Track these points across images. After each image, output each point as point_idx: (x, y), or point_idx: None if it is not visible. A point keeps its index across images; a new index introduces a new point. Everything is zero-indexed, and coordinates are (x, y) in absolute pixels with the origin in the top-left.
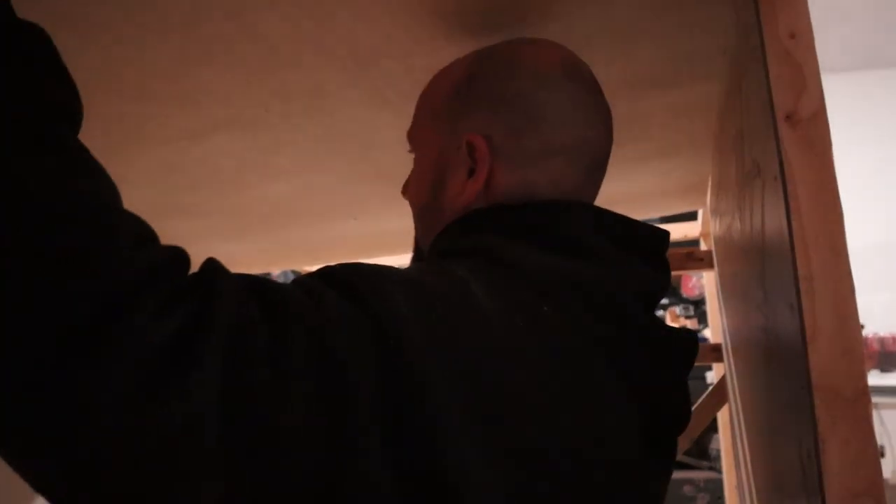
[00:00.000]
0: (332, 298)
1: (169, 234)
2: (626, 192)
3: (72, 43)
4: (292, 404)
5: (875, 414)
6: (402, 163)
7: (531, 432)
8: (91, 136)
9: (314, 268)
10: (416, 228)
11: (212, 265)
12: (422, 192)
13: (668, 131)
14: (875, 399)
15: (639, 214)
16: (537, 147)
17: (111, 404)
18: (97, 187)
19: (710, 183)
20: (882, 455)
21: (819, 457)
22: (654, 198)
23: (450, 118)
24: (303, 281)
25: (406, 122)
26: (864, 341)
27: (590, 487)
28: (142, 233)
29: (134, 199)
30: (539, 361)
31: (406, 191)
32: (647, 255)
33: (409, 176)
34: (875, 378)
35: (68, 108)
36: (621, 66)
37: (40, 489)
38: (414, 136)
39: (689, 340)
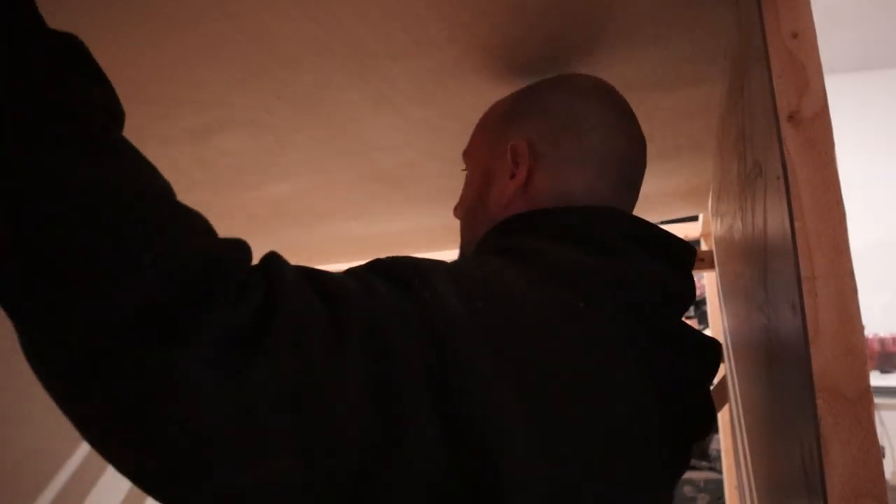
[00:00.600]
0: (384, 289)
1: None
2: None
3: None
4: (348, 388)
5: (875, 415)
6: (403, 164)
7: (571, 418)
8: None
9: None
10: (462, 236)
11: (274, 256)
12: (469, 199)
13: (669, 133)
14: (875, 400)
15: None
16: (574, 153)
17: (192, 382)
18: (162, 182)
19: (711, 185)
20: (883, 456)
21: (821, 457)
22: (655, 201)
23: (499, 131)
24: (356, 272)
25: (407, 124)
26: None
27: (616, 482)
28: (205, 224)
29: None
30: (575, 353)
31: (457, 210)
32: (676, 264)
33: (461, 195)
34: (875, 379)
35: (111, 109)
36: (622, 68)
37: (125, 468)
38: (468, 154)
39: (713, 346)
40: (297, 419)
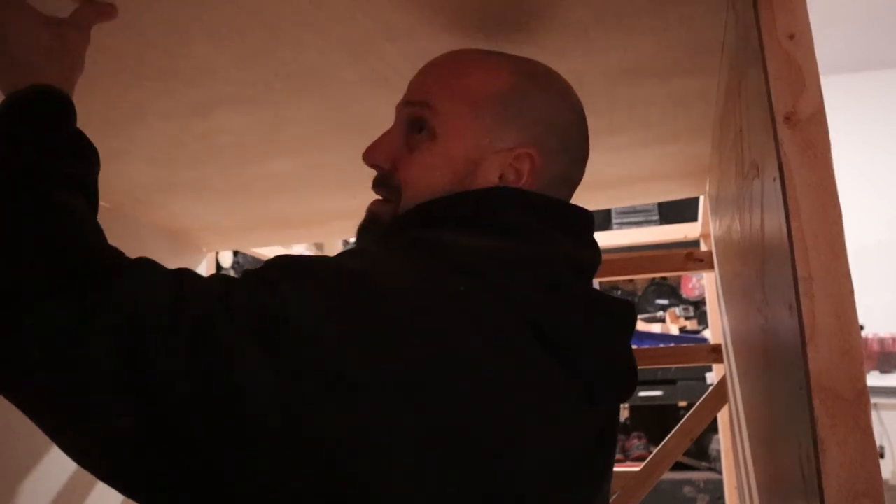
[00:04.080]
0: (244, 290)
1: (169, 208)
2: (625, 176)
3: None
4: (176, 368)
5: (874, 414)
6: None
7: (448, 414)
8: (93, 112)
9: (311, 243)
10: (403, 204)
11: (137, 264)
12: (442, 178)
13: (666, 118)
14: (874, 400)
15: (639, 199)
16: (559, 173)
17: (25, 351)
18: (74, 233)
19: (709, 170)
20: (881, 456)
21: (818, 457)
22: (652, 182)
23: (498, 122)
24: (247, 274)
25: None
26: (863, 342)
27: (521, 474)
28: (85, 247)
29: (135, 174)
30: (460, 341)
31: (379, 155)
32: (577, 234)
33: (392, 140)
34: (874, 379)
35: (81, 179)
36: (619, 54)
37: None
38: (439, 113)
39: (624, 306)
40: (124, 382)
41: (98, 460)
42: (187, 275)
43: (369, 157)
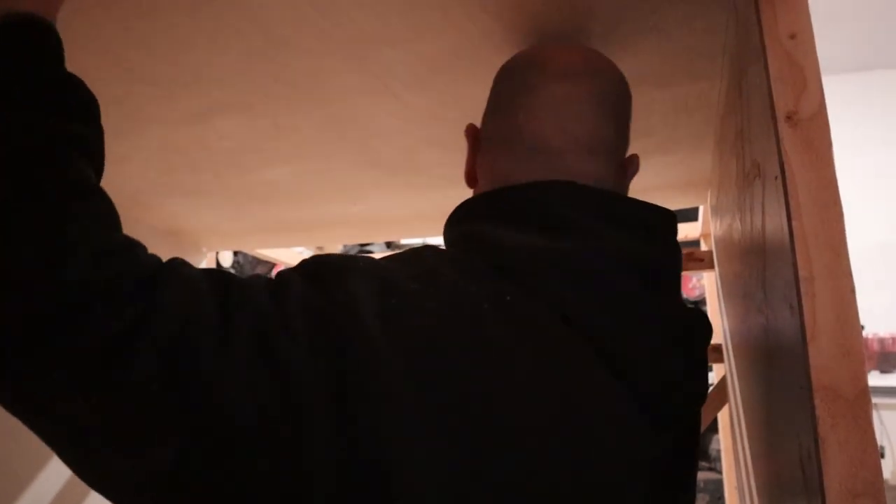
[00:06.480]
0: (298, 292)
1: (169, 210)
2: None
3: (76, 26)
4: (233, 388)
5: (875, 414)
6: (403, 151)
7: (482, 425)
8: None
9: (312, 246)
10: None
11: (170, 266)
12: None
13: (668, 126)
14: (875, 400)
15: None
16: (495, 131)
17: (66, 384)
18: (78, 212)
19: (710, 181)
20: (882, 456)
21: (819, 457)
22: (653, 193)
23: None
24: (282, 275)
25: (405, 111)
26: (864, 342)
27: (564, 477)
28: (105, 247)
29: (135, 179)
30: (504, 347)
31: None
32: (636, 229)
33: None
34: (875, 379)
35: (83, 141)
36: (619, 60)
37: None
38: None
39: (693, 317)
40: (176, 413)
41: (119, 495)
42: (230, 281)
43: None
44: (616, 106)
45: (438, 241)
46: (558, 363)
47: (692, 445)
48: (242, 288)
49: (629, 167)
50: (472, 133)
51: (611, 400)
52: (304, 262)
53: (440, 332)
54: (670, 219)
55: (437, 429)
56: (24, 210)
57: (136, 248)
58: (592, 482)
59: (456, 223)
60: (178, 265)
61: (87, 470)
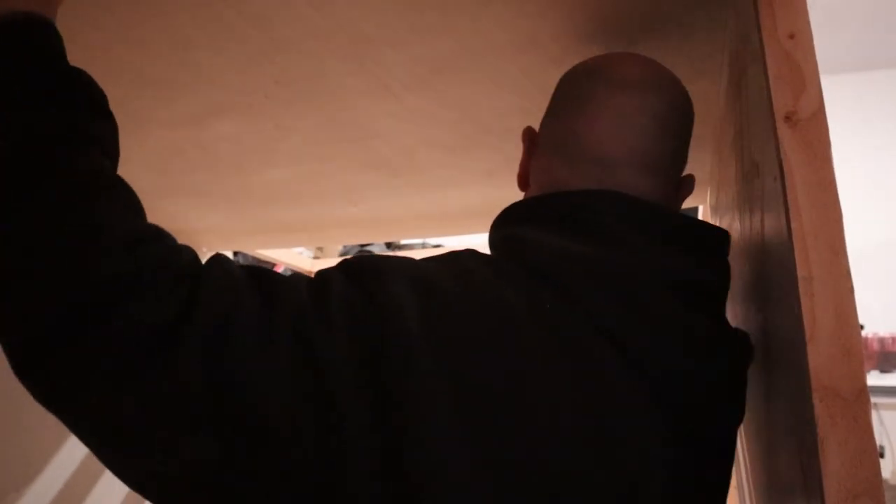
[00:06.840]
0: (339, 291)
1: (169, 211)
2: None
3: (76, 28)
4: (275, 382)
5: (874, 414)
6: (403, 152)
7: (517, 430)
8: None
9: (312, 247)
10: None
11: (214, 261)
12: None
13: None
14: (874, 399)
15: None
16: (550, 137)
17: (106, 373)
18: (105, 201)
19: (709, 181)
20: (881, 455)
21: (818, 457)
22: None
23: None
24: (322, 273)
25: (405, 112)
26: (863, 341)
27: (588, 485)
28: (136, 236)
29: (136, 180)
30: (537, 353)
31: None
32: (686, 246)
33: None
34: (874, 378)
35: (98, 133)
36: None
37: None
38: None
39: (734, 338)
40: (217, 410)
41: (154, 493)
42: (271, 279)
43: None
44: (678, 123)
45: (438, 241)
46: (592, 373)
47: (725, 471)
48: (283, 286)
49: (683, 187)
50: (529, 136)
51: (643, 414)
52: (344, 262)
53: (479, 337)
54: (723, 238)
55: (471, 432)
56: (49, 203)
57: (165, 237)
58: (627, 498)
59: (501, 226)
60: (221, 260)
61: (123, 467)
